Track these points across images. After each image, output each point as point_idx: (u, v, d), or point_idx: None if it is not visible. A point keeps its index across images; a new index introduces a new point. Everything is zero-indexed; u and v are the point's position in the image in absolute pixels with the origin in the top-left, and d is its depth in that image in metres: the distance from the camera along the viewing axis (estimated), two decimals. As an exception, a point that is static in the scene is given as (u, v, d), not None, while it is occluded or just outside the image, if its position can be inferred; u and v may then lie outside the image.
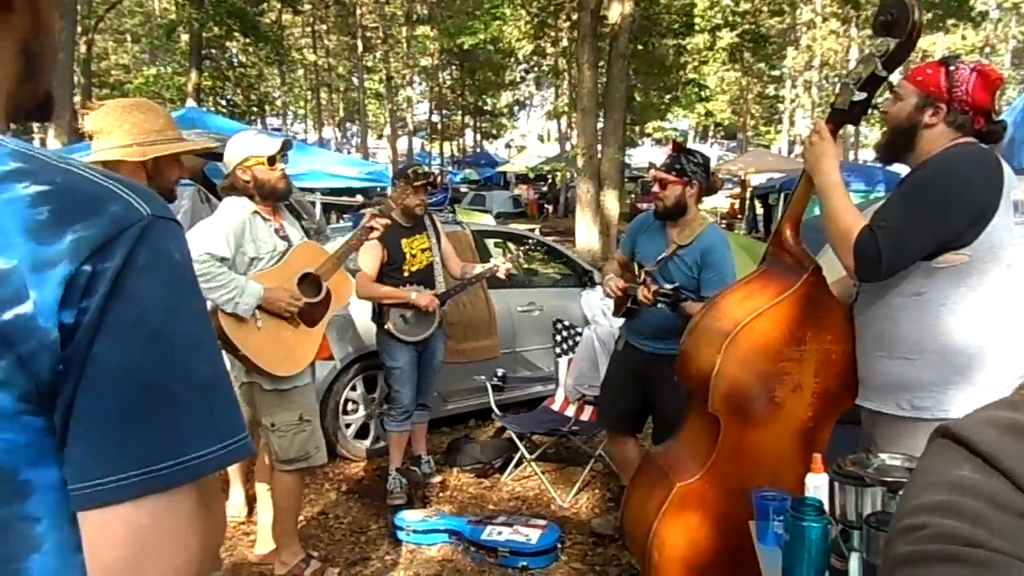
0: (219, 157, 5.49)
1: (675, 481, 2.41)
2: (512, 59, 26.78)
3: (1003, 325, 2.03)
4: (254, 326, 2.93)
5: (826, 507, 1.92)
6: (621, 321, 4.73)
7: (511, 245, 5.38)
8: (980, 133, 2.04)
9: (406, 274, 4.11)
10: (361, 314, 4.52)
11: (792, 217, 2.37)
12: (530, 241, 4.54)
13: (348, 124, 49.48)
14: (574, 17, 15.81)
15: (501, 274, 4.27)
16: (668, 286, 3.17)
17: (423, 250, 4.18)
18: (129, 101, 2.17)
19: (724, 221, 20.66)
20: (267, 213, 3.12)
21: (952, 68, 2.02)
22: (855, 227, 2.01)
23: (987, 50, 36.11)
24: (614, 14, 13.41)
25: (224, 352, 2.96)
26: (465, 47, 16.69)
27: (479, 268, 4.34)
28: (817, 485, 1.96)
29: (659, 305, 3.18)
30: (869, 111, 2.20)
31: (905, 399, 2.08)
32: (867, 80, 2.06)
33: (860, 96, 2.07)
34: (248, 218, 3.02)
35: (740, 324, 2.28)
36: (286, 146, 3.17)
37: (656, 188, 3.42)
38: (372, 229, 3.44)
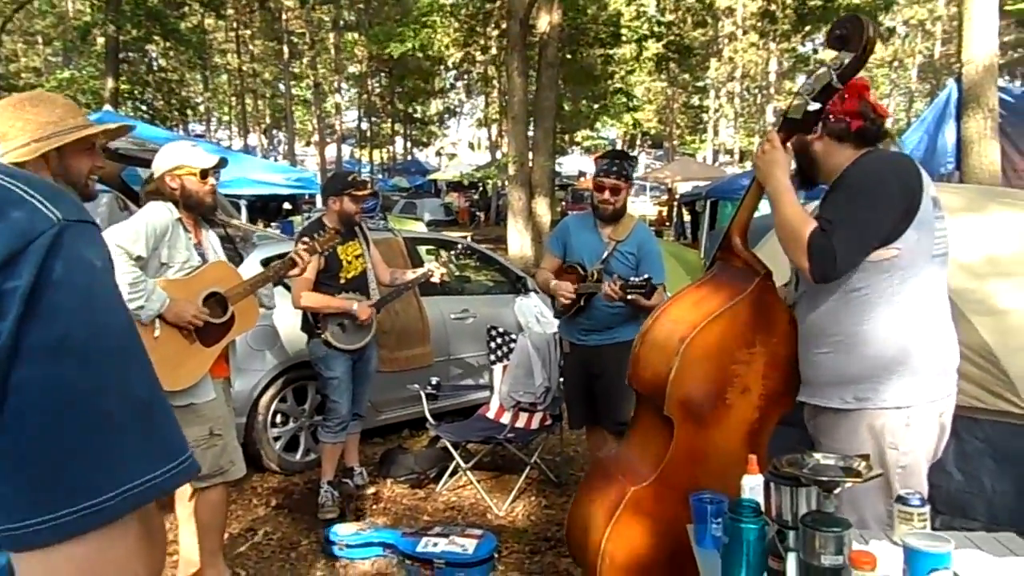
0: (139, 162, 5.28)
1: (629, 485, 2.41)
2: (441, 67, 26.71)
3: (933, 314, 2.16)
4: (150, 333, 2.82)
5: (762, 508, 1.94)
6: (554, 327, 4.76)
7: (444, 252, 5.34)
8: (864, 133, 2.18)
9: (342, 281, 4.02)
10: (289, 324, 4.39)
11: (740, 224, 2.44)
12: (459, 246, 4.51)
13: (275, 131, 48.49)
14: (503, 26, 15.87)
15: (436, 279, 4.22)
16: (636, 278, 3.37)
17: (357, 256, 4.11)
18: (22, 96, 1.98)
19: (653, 228, 21.00)
20: (189, 225, 3.05)
21: None
22: (806, 229, 2.09)
23: (895, 63, 37.89)
24: (543, 23, 13.51)
25: None
26: (394, 56, 16.51)
27: (411, 274, 4.29)
28: (753, 486, 1.98)
29: (630, 298, 3.34)
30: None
31: (849, 392, 2.16)
32: (821, 91, 2.13)
33: (815, 106, 2.16)
34: (171, 223, 2.95)
35: (697, 327, 2.31)
36: (221, 163, 3.16)
37: (608, 195, 3.64)
38: (295, 264, 3.41)
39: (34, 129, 1.90)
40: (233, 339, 3.16)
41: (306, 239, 3.61)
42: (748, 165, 25.81)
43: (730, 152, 41.30)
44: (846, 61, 2.04)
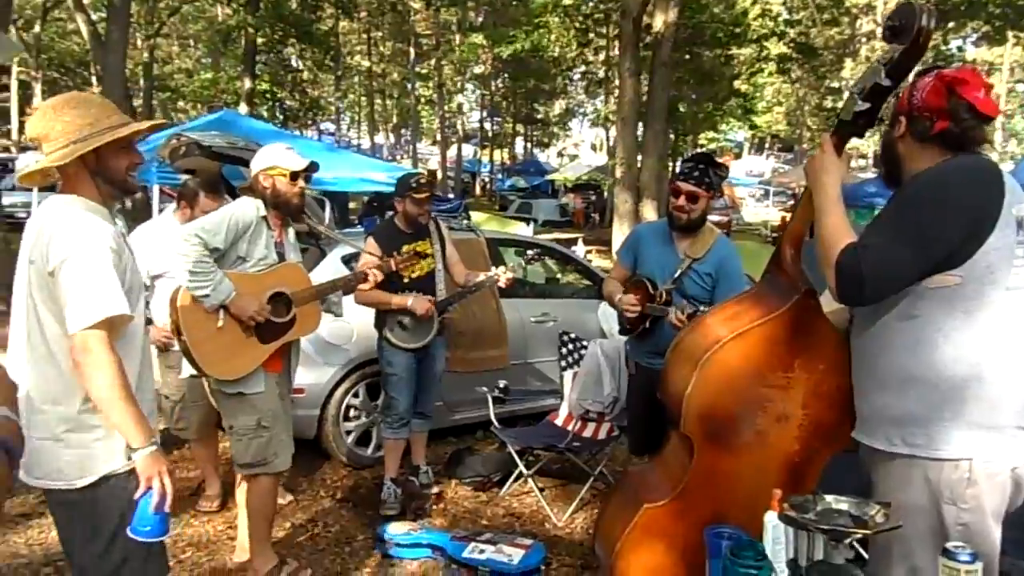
0: (232, 160, 5.51)
1: (644, 501, 2.28)
2: (558, 67, 26.64)
3: (1005, 356, 1.83)
4: (214, 322, 2.94)
5: (782, 549, 1.78)
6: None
7: (528, 252, 5.27)
8: (947, 136, 1.84)
9: (406, 280, 4.02)
10: (363, 320, 4.46)
11: (793, 236, 2.21)
12: (537, 249, 4.42)
13: (402, 130, 50.07)
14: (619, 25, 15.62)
15: (502, 283, 4.15)
16: (706, 308, 3.05)
17: (424, 256, 4.11)
18: (62, 98, 2.07)
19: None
20: (274, 223, 3.19)
21: (919, 78, 1.88)
22: (841, 244, 1.85)
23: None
24: (658, 22, 13.22)
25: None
26: (504, 56, 16.62)
27: (481, 276, 4.25)
28: (775, 524, 1.81)
29: None
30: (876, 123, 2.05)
31: (896, 434, 1.89)
32: (871, 90, 1.89)
33: (863, 106, 1.91)
34: (256, 220, 3.11)
35: (720, 342, 2.15)
36: (312, 168, 3.29)
37: (683, 201, 3.32)
38: (366, 279, 3.52)
39: (72, 131, 1.98)
40: (291, 340, 3.24)
41: (381, 259, 3.71)
42: (882, 171, 24.26)
43: (864, 156, 39.09)
44: (896, 55, 1.79)
